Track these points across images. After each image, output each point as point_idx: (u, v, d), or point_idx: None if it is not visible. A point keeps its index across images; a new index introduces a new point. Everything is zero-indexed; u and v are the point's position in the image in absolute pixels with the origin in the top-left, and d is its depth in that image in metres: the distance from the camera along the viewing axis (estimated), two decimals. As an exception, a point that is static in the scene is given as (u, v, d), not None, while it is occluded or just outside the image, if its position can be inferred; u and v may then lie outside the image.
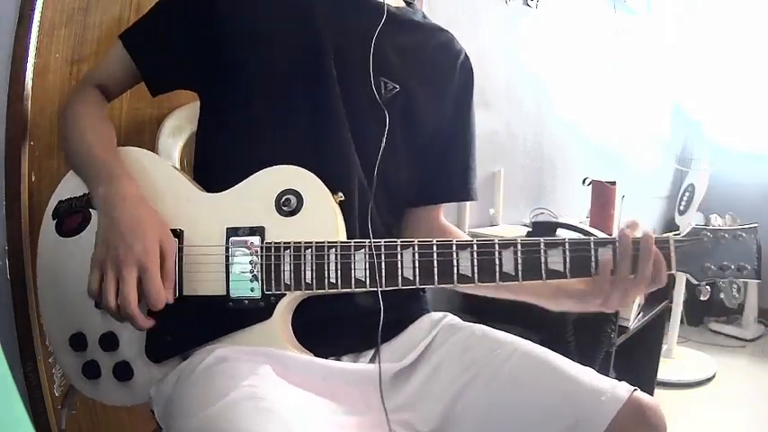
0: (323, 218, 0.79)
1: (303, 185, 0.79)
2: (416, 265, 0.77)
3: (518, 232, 1.89)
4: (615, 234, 0.81)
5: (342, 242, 0.78)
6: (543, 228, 1.87)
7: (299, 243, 0.77)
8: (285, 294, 0.78)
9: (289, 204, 0.79)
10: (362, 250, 0.77)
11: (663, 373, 2.40)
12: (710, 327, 3.24)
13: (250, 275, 0.78)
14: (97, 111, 0.89)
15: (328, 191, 0.80)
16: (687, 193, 2.71)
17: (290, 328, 0.81)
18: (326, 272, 0.77)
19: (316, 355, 0.81)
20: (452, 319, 0.95)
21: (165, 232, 0.77)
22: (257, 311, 0.78)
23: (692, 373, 2.59)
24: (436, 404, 0.83)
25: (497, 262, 0.77)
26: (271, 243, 0.78)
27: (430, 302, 0.99)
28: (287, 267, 0.77)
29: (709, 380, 2.59)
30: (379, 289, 0.77)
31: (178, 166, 1.13)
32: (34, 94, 0.96)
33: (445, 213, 1.07)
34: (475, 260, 0.77)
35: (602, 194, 2.02)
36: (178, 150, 1.17)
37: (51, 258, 0.85)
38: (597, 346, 1.75)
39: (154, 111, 1.17)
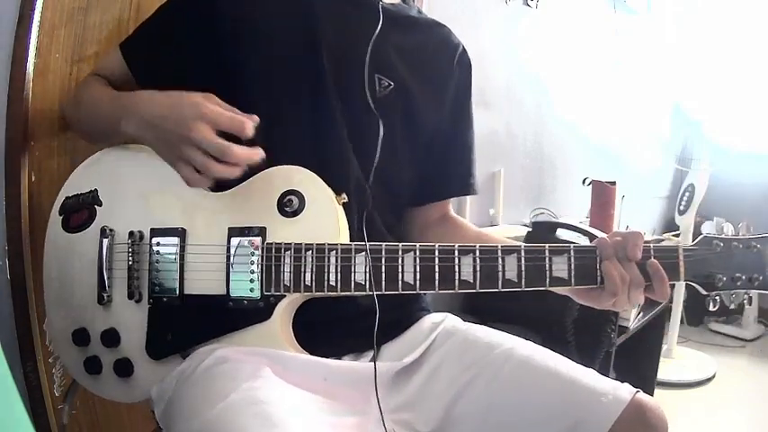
0: (325, 219, 0.79)
1: (306, 186, 0.79)
2: (417, 269, 0.77)
3: (518, 232, 1.89)
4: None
5: (342, 245, 0.77)
6: (543, 228, 1.87)
7: (300, 245, 0.77)
8: (285, 296, 0.78)
9: (291, 205, 0.79)
10: (363, 253, 0.77)
11: (663, 373, 2.40)
12: (710, 327, 3.24)
13: (250, 276, 0.78)
14: (102, 83, 0.91)
15: (331, 192, 0.79)
16: (687, 193, 2.71)
17: (291, 329, 0.81)
18: (326, 274, 0.77)
19: (317, 356, 0.81)
20: (453, 320, 0.95)
21: (190, 94, 0.77)
22: (256, 312, 0.78)
23: (692, 373, 2.59)
24: (436, 405, 0.83)
25: (500, 268, 0.76)
26: (272, 244, 0.78)
27: (430, 303, 0.99)
28: (287, 269, 0.77)
29: (709, 380, 2.59)
30: (375, 293, 0.77)
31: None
32: (34, 94, 0.96)
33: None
34: (477, 266, 0.76)
35: (602, 194, 2.02)
36: (178, 150, 1.17)
37: (57, 254, 0.85)
38: (597, 346, 1.74)
39: (154, 111, 1.16)
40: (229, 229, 0.79)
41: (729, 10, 2.82)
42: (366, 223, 0.83)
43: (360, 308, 0.84)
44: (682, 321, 2.87)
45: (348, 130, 0.86)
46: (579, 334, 1.71)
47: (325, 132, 0.86)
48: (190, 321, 0.79)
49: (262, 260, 0.78)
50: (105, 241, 0.81)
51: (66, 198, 0.86)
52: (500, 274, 0.76)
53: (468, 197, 1.82)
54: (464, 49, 1.01)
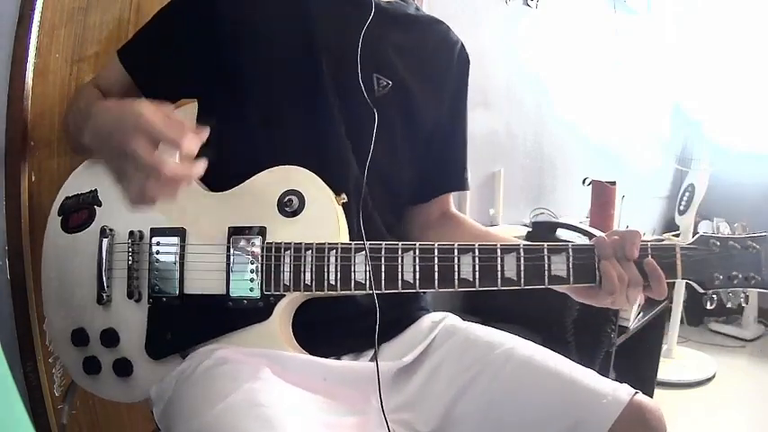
0: (325, 219, 0.79)
1: (305, 186, 0.79)
2: (417, 268, 0.77)
3: (518, 232, 1.89)
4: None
5: (342, 244, 0.77)
6: (543, 228, 1.87)
7: (300, 244, 0.77)
8: (284, 295, 0.78)
9: (291, 205, 0.79)
10: (363, 253, 0.77)
11: (663, 373, 2.40)
12: (710, 327, 3.24)
13: (250, 275, 0.78)
14: (94, 94, 0.89)
15: (331, 192, 0.79)
16: (687, 193, 2.71)
17: (290, 328, 0.81)
18: (326, 274, 0.77)
19: (316, 356, 0.81)
20: (453, 319, 0.95)
21: (139, 101, 0.70)
22: (256, 311, 0.78)
23: (692, 373, 2.59)
24: (436, 404, 0.83)
25: (499, 267, 0.76)
26: (272, 243, 0.78)
27: (430, 302, 0.99)
28: (287, 268, 0.77)
29: (709, 380, 2.59)
30: (375, 291, 0.77)
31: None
32: (34, 94, 0.96)
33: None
34: (477, 265, 0.76)
35: (602, 194, 2.02)
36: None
37: (56, 254, 0.86)
38: (597, 346, 1.74)
39: (154, 111, 1.16)
40: (229, 228, 0.79)
41: (729, 10, 2.82)
42: (366, 223, 0.83)
43: (359, 307, 0.84)
44: (682, 321, 2.87)
45: (346, 129, 0.86)
46: (579, 334, 1.71)
47: (324, 132, 0.86)
48: (189, 321, 0.79)
49: (262, 260, 0.78)
50: (105, 241, 0.81)
51: (66, 198, 0.86)
52: (499, 272, 0.76)
53: (468, 197, 1.83)
54: (462, 46, 1.01)
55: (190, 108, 1.00)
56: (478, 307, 1.86)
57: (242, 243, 0.78)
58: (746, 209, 2.57)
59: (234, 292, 0.78)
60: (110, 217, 0.83)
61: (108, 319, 0.82)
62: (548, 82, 2.32)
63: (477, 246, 0.77)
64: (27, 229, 0.96)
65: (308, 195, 0.79)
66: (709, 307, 0.80)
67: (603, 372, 1.76)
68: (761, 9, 2.80)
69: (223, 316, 0.78)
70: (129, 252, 0.81)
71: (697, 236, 0.77)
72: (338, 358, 0.86)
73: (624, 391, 0.78)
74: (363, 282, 0.77)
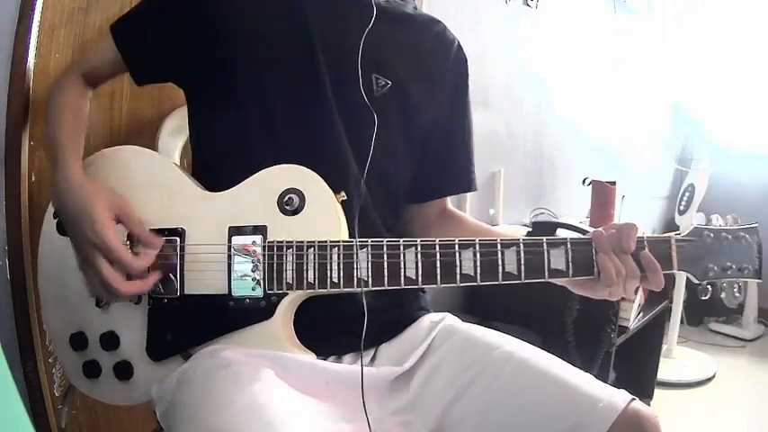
0: (325, 217, 0.79)
1: (306, 185, 0.79)
2: (419, 264, 0.77)
3: (518, 232, 1.89)
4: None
5: (344, 242, 0.77)
6: (543, 228, 1.87)
7: (302, 242, 0.77)
8: (287, 294, 0.78)
9: (291, 203, 0.79)
10: (365, 249, 0.77)
11: (663, 373, 2.40)
12: (710, 327, 3.24)
13: (252, 274, 0.78)
14: (76, 101, 0.89)
15: (331, 190, 0.79)
16: (687, 193, 2.71)
17: (292, 327, 0.81)
18: (329, 271, 0.77)
19: (317, 354, 0.81)
20: (451, 320, 0.94)
21: (111, 199, 0.77)
22: (258, 311, 0.78)
23: (692, 373, 2.59)
24: (435, 405, 0.83)
25: (500, 262, 0.77)
26: (273, 242, 0.78)
27: (430, 302, 0.99)
28: (289, 266, 0.77)
29: (709, 380, 2.59)
30: (375, 288, 0.77)
31: (179, 165, 1.13)
32: (34, 94, 0.96)
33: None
34: (478, 260, 0.77)
35: (602, 194, 2.02)
36: (178, 150, 1.17)
37: (52, 257, 0.85)
38: (597, 346, 1.74)
39: (154, 111, 1.16)
40: (230, 228, 0.79)
41: (729, 10, 2.82)
42: (365, 222, 0.83)
43: (360, 306, 0.84)
44: (682, 321, 2.87)
45: (345, 129, 0.86)
46: (579, 334, 1.71)
47: (322, 132, 0.85)
48: (190, 322, 0.79)
49: (264, 258, 0.78)
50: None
51: None
52: (500, 267, 0.77)
53: (468, 197, 1.83)
54: (459, 45, 1.01)
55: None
56: (479, 307, 1.86)
57: (243, 242, 0.78)
58: (746, 209, 2.57)
59: (236, 292, 0.78)
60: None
61: (107, 321, 0.81)
62: (548, 82, 2.32)
63: (477, 241, 0.77)
64: (27, 229, 0.96)
65: (308, 194, 0.79)
66: (704, 298, 0.82)
67: (603, 371, 1.78)
68: (761, 9, 2.80)
69: (224, 316, 0.78)
70: (128, 253, 0.80)
71: (691, 227, 0.79)
72: (339, 357, 0.86)
73: (621, 397, 0.78)
74: (366, 279, 0.77)
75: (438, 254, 0.77)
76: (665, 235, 0.79)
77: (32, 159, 0.98)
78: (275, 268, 0.77)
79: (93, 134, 0.98)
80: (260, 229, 0.78)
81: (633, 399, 0.78)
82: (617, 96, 2.75)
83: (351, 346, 0.87)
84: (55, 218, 0.85)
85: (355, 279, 0.77)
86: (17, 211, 0.96)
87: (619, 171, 2.51)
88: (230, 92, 0.86)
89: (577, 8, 2.46)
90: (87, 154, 0.89)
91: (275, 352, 0.77)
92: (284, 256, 0.77)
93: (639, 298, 2.09)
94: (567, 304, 1.68)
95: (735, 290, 0.82)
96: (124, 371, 0.81)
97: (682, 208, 2.73)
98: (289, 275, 0.77)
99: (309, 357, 0.79)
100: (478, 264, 0.77)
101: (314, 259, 0.77)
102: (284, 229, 0.78)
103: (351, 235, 0.80)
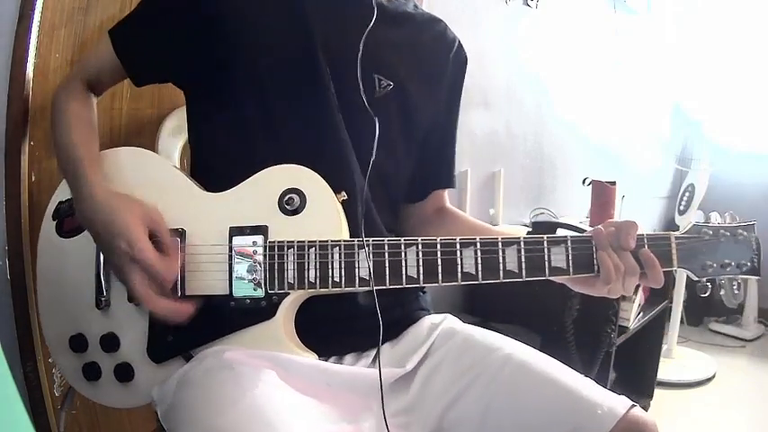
0: (326, 217, 0.79)
1: (306, 185, 0.79)
2: (420, 263, 0.77)
3: (515, 230, 1.89)
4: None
5: (345, 241, 0.77)
6: (543, 228, 1.87)
7: (303, 242, 0.77)
8: (288, 294, 0.78)
9: (292, 203, 0.78)
10: (366, 249, 0.77)
11: (663, 373, 2.40)
12: (710, 327, 3.24)
13: (253, 275, 0.78)
14: (84, 110, 0.88)
15: (331, 190, 0.79)
16: (687, 193, 2.71)
17: (293, 327, 0.80)
18: (330, 271, 0.77)
19: (319, 354, 0.81)
20: (451, 321, 0.94)
21: (142, 211, 0.77)
22: (260, 311, 0.78)
23: (692, 373, 2.59)
24: (434, 407, 0.83)
25: (501, 260, 0.77)
26: (274, 242, 0.78)
27: (430, 303, 0.99)
28: (290, 266, 0.77)
29: (709, 380, 2.59)
30: (376, 287, 0.77)
31: (179, 165, 1.13)
32: (34, 94, 0.96)
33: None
34: (479, 258, 0.77)
35: (602, 194, 2.01)
36: (178, 150, 1.17)
37: (51, 259, 0.85)
38: (597, 346, 1.74)
39: (154, 111, 1.16)
40: (231, 228, 0.79)
41: (729, 10, 2.82)
42: (366, 221, 0.83)
43: (360, 306, 0.84)
44: (682, 321, 2.87)
45: (347, 129, 0.85)
46: (579, 334, 1.70)
47: (323, 131, 0.85)
48: (191, 323, 0.78)
49: (265, 258, 0.78)
50: (103, 244, 0.81)
51: (60, 203, 0.86)
52: (501, 265, 0.77)
53: (468, 197, 1.83)
54: (460, 44, 1.01)
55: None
56: (479, 307, 1.86)
57: (244, 242, 0.78)
58: (746, 208, 2.56)
59: (237, 292, 0.78)
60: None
61: (107, 323, 0.81)
62: (548, 82, 2.32)
63: (478, 239, 0.77)
64: (27, 229, 0.96)
65: (309, 193, 0.79)
66: (702, 295, 0.83)
67: (603, 371, 1.77)
68: (761, 9, 2.80)
69: (226, 316, 0.78)
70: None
71: (690, 225, 0.80)
72: (340, 357, 0.86)
73: (620, 404, 0.77)
74: (367, 278, 0.77)
75: (439, 252, 0.77)
76: (664, 233, 0.80)
77: (32, 159, 0.98)
78: (276, 268, 0.77)
79: (93, 134, 0.98)
80: (261, 230, 0.78)
81: (633, 405, 0.78)
82: (617, 96, 2.75)
83: (351, 347, 0.87)
84: (54, 219, 0.85)
85: (357, 278, 0.77)
86: (17, 211, 0.95)
87: (619, 171, 2.51)
88: (231, 92, 0.86)
89: (577, 8, 2.46)
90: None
91: (276, 353, 0.77)
92: (285, 256, 0.77)
93: (639, 298, 2.09)
94: (567, 304, 1.68)
95: (734, 288, 0.82)
96: (125, 373, 0.80)
97: (682, 208, 2.73)
98: (290, 275, 0.77)
99: (311, 358, 0.79)
100: (480, 262, 0.77)
101: (315, 259, 0.77)
102: (285, 230, 0.78)
103: (352, 234, 0.80)
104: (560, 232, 1.78)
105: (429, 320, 0.94)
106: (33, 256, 0.94)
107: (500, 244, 0.77)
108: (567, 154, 2.52)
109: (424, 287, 0.93)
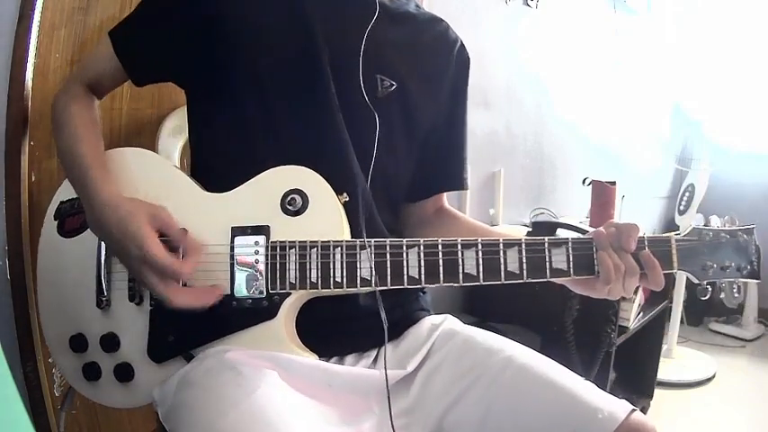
0: (328, 217, 0.79)
1: (308, 185, 0.79)
2: (422, 264, 0.77)
3: (515, 230, 1.89)
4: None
5: (347, 241, 0.77)
6: (543, 228, 1.87)
7: (305, 242, 0.77)
8: (290, 294, 0.78)
9: (294, 204, 0.78)
10: (368, 249, 0.77)
11: (663, 373, 2.40)
12: (710, 327, 3.24)
13: (255, 275, 0.77)
14: (87, 114, 0.87)
15: (333, 191, 0.79)
16: (687, 194, 2.71)
17: (294, 328, 0.80)
18: (332, 271, 0.77)
19: (319, 355, 0.81)
20: (452, 322, 0.94)
21: (152, 213, 0.77)
22: (261, 311, 0.78)
23: (692, 373, 2.59)
24: (434, 408, 0.83)
25: (502, 261, 0.77)
26: (276, 242, 0.78)
27: (431, 303, 0.99)
28: (292, 266, 0.77)
29: (709, 380, 2.59)
30: (379, 288, 0.77)
31: (179, 165, 1.13)
32: (34, 94, 0.96)
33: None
34: (480, 259, 0.77)
35: (602, 194, 2.02)
36: (178, 150, 1.17)
37: (52, 259, 0.85)
38: (597, 346, 1.74)
39: (154, 111, 1.16)
40: (233, 228, 0.79)
41: (729, 10, 2.82)
42: (368, 222, 0.83)
43: (361, 307, 0.84)
44: (682, 321, 2.87)
45: (348, 129, 0.85)
46: (579, 334, 1.70)
47: (325, 132, 0.85)
48: (192, 322, 0.78)
49: (267, 259, 0.77)
50: (104, 245, 0.81)
51: (61, 203, 0.86)
52: (502, 266, 0.77)
53: (468, 197, 1.83)
54: (462, 45, 1.00)
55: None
56: (479, 307, 1.86)
57: (245, 242, 0.78)
58: (746, 209, 2.57)
59: (238, 292, 0.78)
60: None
61: (107, 323, 0.81)
62: (548, 82, 2.32)
63: (480, 240, 0.77)
64: (27, 229, 0.96)
65: (311, 194, 0.79)
66: (703, 298, 0.84)
67: (603, 371, 1.77)
68: (761, 9, 2.80)
69: (227, 316, 0.78)
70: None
71: (690, 227, 0.81)
72: (341, 358, 0.86)
73: (620, 408, 0.77)
74: (369, 278, 0.77)
75: (441, 253, 0.77)
76: (664, 235, 0.80)
77: (32, 159, 0.98)
78: (278, 268, 0.77)
79: (93, 134, 0.98)
80: (263, 230, 0.78)
81: (634, 410, 0.78)
82: (617, 96, 2.75)
83: (352, 347, 0.87)
84: (56, 219, 0.85)
85: (358, 279, 0.77)
86: (17, 211, 0.96)
87: (619, 171, 2.51)
88: (231, 92, 0.86)
89: (577, 8, 2.46)
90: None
91: (277, 353, 0.77)
92: (287, 256, 0.77)
93: (639, 298, 2.09)
94: (567, 304, 1.68)
95: (734, 290, 0.83)
96: (125, 373, 0.80)
97: (682, 208, 2.73)
98: (292, 275, 0.77)
99: (312, 359, 0.79)
100: (481, 263, 0.77)
101: (317, 259, 0.77)
102: (287, 230, 0.78)
103: (354, 235, 0.80)
104: (560, 232, 1.78)
105: (429, 321, 0.94)
106: (33, 256, 0.94)
107: (501, 245, 0.77)
108: (567, 154, 2.52)
109: (424, 287, 0.92)
